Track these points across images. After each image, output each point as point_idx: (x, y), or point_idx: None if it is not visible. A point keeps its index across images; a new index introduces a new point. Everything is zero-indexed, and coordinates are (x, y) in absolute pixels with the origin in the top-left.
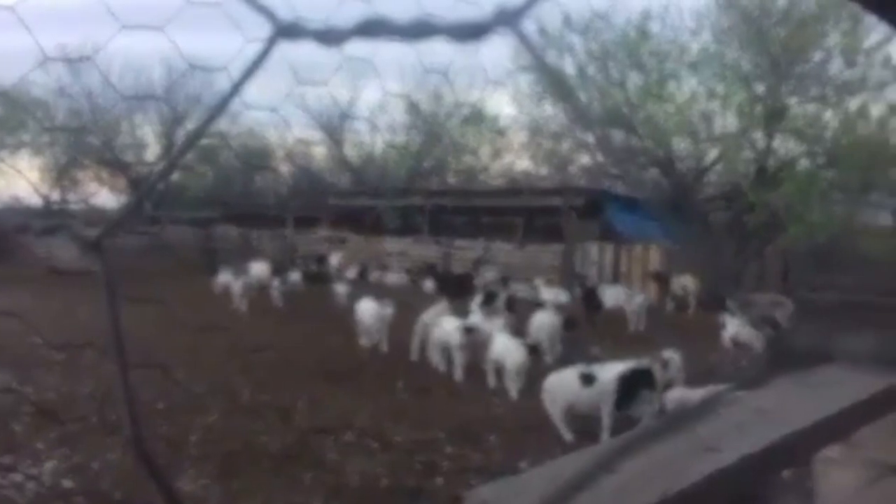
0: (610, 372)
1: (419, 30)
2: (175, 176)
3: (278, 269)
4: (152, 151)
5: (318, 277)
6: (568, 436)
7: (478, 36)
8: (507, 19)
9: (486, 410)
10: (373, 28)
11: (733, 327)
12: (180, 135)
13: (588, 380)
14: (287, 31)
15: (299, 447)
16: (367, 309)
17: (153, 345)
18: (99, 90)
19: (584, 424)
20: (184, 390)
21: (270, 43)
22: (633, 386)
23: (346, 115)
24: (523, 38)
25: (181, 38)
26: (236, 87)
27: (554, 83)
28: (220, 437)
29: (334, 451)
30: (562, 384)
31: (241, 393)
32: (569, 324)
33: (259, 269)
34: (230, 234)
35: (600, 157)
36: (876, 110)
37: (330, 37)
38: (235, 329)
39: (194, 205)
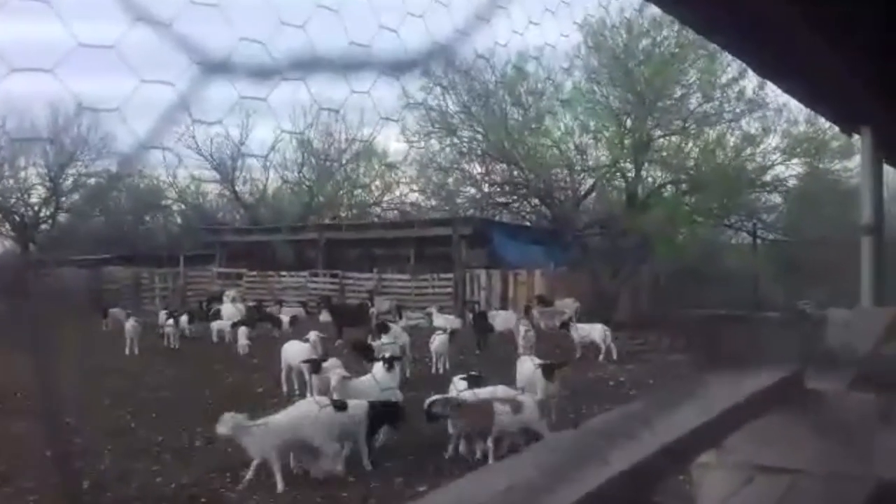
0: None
1: (352, 64)
2: (62, 217)
3: (174, 310)
4: (37, 194)
5: (213, 316)
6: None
7: (410, 70)
8: (438, 54)
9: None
10: (305, 64)
11: (582, 332)
12: (68, 176)
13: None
14: (218, 68)
15: (197, 488)
16: (300, 352)
17: (29, 392)
18: None
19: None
20: (75, 436)
21: (201, 80)
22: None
23: (238, 154)
24: (457, 70)
25: (71, 81)
26: (165, 124)
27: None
28: (114, 481)
29: (233, 490)
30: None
31: (135, 435)
32: None
33: (230, 311)
34: (121, 275)
35: (486, 188)
36: (732, 140)
37: (263, 73)
38: (128, 371)
39: (83, 247)
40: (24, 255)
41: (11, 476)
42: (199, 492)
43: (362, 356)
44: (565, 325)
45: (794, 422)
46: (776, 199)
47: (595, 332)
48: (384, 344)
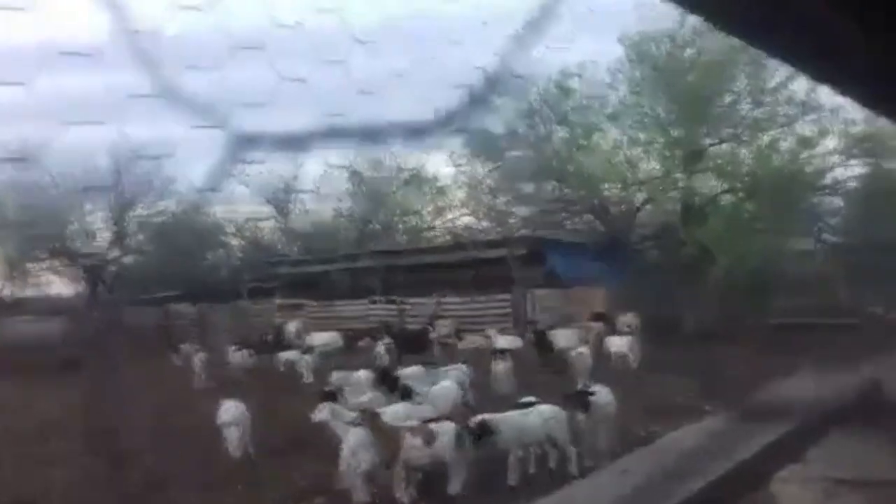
0: None
1: (375, 134)
2: (127, 258)
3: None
4: (102, 237)
5: (278, 347)
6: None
7: (425, 136)
8: (451, 122)
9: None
10: (331, 135)
11: (617, 342)
12: (131, 219)
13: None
14: (247, 142)
15: None
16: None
17: (115, 427)
18: (47, 182)
19: None
20: (148, 471)
21: (232, 155)
22: None
23: (290, 189)
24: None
25: (128, 126)
26: (203, 196)
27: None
28: None
29: None
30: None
31: (207, 468)
32: None
33: (324, 338)
34: (187, 311)
35: (537, 207)
36: (786, 144)
37: (290, 145)
38: (194, 403)
39: (149, 285)
40: (94, 297)
41: None
42: None
43: (386, 387)
44: (601, 339)
45: (875, 433)
46: (838, 201)
47: (625, 344)
48: (449, 370)
